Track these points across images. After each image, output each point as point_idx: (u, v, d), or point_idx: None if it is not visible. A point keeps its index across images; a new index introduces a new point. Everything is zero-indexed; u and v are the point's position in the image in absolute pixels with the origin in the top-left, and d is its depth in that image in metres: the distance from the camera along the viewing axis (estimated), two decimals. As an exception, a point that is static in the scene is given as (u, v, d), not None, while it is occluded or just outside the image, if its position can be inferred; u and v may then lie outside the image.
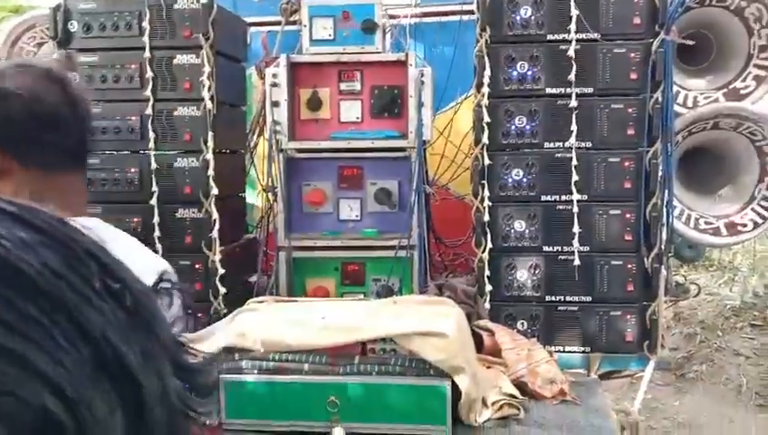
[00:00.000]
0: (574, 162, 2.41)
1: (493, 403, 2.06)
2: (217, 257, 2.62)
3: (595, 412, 2.11)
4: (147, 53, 2.59)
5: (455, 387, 1.98)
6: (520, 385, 2.19)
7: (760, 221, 2.84)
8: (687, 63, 2.85)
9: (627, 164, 2.42)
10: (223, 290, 2.63)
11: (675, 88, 2.72)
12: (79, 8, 2.64)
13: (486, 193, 2.49)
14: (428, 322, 2.09)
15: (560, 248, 2.49)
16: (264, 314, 2.31)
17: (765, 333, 5.68)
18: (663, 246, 2.42)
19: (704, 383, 5.11)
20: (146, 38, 2.58)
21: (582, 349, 2.51)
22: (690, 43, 2.57)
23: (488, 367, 2.27)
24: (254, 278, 2.90)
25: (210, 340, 2.24)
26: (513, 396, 2.11)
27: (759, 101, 2.79)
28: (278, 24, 3.44)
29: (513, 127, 2.47)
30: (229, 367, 2.08)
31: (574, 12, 2.35)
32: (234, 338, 2.11)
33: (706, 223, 2.85)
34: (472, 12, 2.70)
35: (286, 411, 2.04)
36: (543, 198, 2.49)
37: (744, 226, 2.87)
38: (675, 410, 4.83)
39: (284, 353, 2.07)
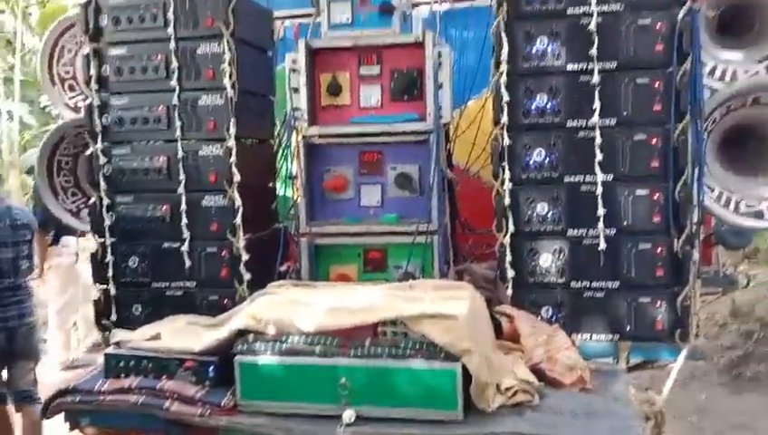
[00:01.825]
0: (598, 141, 2.32)
1: (506, 389, 1.99)
2: (242, 244, 2.64)
3: (615, 401, 2.01)
4: (172, 44, 2.64)
5: (467, 372, 1.93)
6: (538, 372, 2.12)
7: (807, 204, 2.64)
8: (726, 35, 2.67)
9: (654, 141, 2.30)
10: (247, 276, 2.66)
11: (712, 62, 2.58)
12: (108, 3, 2.71)
13: (507, 175, 2.42)
14: (439, 305, 2.05)
15: (584, 232, 2.39)
16: (280, 297, 2.32)
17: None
18: (694, 228, 2.28)
19: (761, 384, 4.80)
20: (170, 29, 2.63)
21: (610, 336, 2.40)
22: (713, 14, 2.42)
23: (506, 353, 2.20)
24: (284, 267, 2.91)
25: (228, 323, 2.27)
26: (528, 382, 2.03)
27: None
28: (310, 15, 3.47)
29: (534, 105, 2.39)
30: (243, 349, 2.10)
31: (594, -18, 2.26)
32: (248, 320, 2.13)
33: (748, 206, 2.67)
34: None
35: (298, 393, 2.04)
36: (567, 178, 2.40)
37: (790, 208, 2.68)
38: (729, 411, 4.56)
39: (297, 336, 2.07)
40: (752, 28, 2.70)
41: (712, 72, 2.56)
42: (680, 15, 2.22)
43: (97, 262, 2.80)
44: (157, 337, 2.32)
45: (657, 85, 2.28)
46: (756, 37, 2.68)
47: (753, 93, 2.57)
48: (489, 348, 2.07)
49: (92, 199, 2.84)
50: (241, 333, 2.14)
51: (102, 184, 2.77)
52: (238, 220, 2.65)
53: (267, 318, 2.11)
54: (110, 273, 2.78)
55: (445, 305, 2.04)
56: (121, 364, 2.25)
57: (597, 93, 2.32)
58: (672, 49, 2.25)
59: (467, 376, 1.93)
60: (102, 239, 2.78)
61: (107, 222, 2.78)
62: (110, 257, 2.78)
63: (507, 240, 2.42)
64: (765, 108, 2.60)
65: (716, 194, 2.60)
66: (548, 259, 2.42)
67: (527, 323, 2.26)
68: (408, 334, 2.02)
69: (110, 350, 2.32)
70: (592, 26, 2.30)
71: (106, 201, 2.77)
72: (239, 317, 2.20)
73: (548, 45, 2.36)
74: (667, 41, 2.26)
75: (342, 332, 2.04)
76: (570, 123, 2.38)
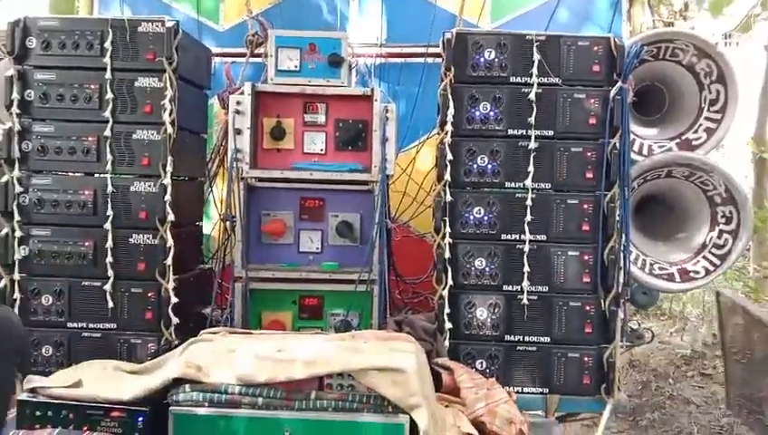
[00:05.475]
0: (529, 202, 2.44)
1: (451, 443, 2.01)
2: (171, 286, 2.53)
3: (552, 454, 2.09)
4: (108, 75, 2.54)
5: (413, 424, 1.93)
6: (478, 425, 2.15)
7: (711, 269, 2.91)
8: (642, 114, 2.94)
9: (585, 207, 2.46)
10: (175, 320, 2.54)
11: (631, 136, 2.81)
12: (39, 25, 2.57)
13: (448, 230, 2.49)
14: (387, 357, 2.05)
15: (519, 287, 2.49)
16: (218, 345, 2.23)
17: (714, 383, 5.78)
18: (620, 290, 2.45)
19: (656, 431, 5.14)
20: (107, 59, 2.53)
21: (541, 390, 2.50)
22: (634, 99, 2.67)
23: (446, 406, 2.23)
24: (208, 310, 2.81)
25: (159, 370, 2.15)
26: (470, 435, 2.07)
27: (710, 152, 2.90)
28: (243, 55, 3.44)
29: (475, 166, 2.49)
30: (179, 399, 2.00)
31: (536, 56, 2.42)
32: (185, 369, 2.03)
33: (661, 269, 2.90)
34: (437, 54, 2.72)
35: (238, 447, 1.96)
36: (504, 236, 2.50)
37: (697, 273, 2.93)
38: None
39: (238, 386, 1.99)
40: (663, 107, 2.98)
41: (631, 144, 2.78)
42: (612, 93, 2.42)
43: (3, 299, 2.58)
44: (78, 384, 2.15)
45: (589, 154, 2.46)
46: (667, 115, 2.96)
47: (669, 166, 2.82)
48: (435, 402, 2.09)
49: (3, 230, 2.63)
50: (176, 382, 2.03)
51: (16, 215, 2.58)
52: (169, 261, 2.54)
53: (207, 367, 2.03)
54: (17, 311, 2.56)
55: (391, 358, 2.05)
56: (37, 413, 2.07)
57: (533, 158, 2.46)
58: (603, 122, 2.44)
59: (414, 431, 1.93)
60: (10, 274, 2.58)
61: (17, 256, 2.58)
62: (17, 295, 2.58)
63: (446, 293, 2.48)
64: (676, 180, 2.87)
65: (633, 256, 2.80)
66: (484, 313, 2.50)
67: (467, 376, 2.31)
68: (355, 387, 2.01)
69: (25, 396, 2.13)
70: (532, 96, 2.45)
71: (19, 233, 2.58)
72: (174, 365, 2.09)
73: (490, 110, 2.48)
74: (599, 115, 2.45)
75: (287, 383, 1.99)
76: (508, 184, 2.50)
